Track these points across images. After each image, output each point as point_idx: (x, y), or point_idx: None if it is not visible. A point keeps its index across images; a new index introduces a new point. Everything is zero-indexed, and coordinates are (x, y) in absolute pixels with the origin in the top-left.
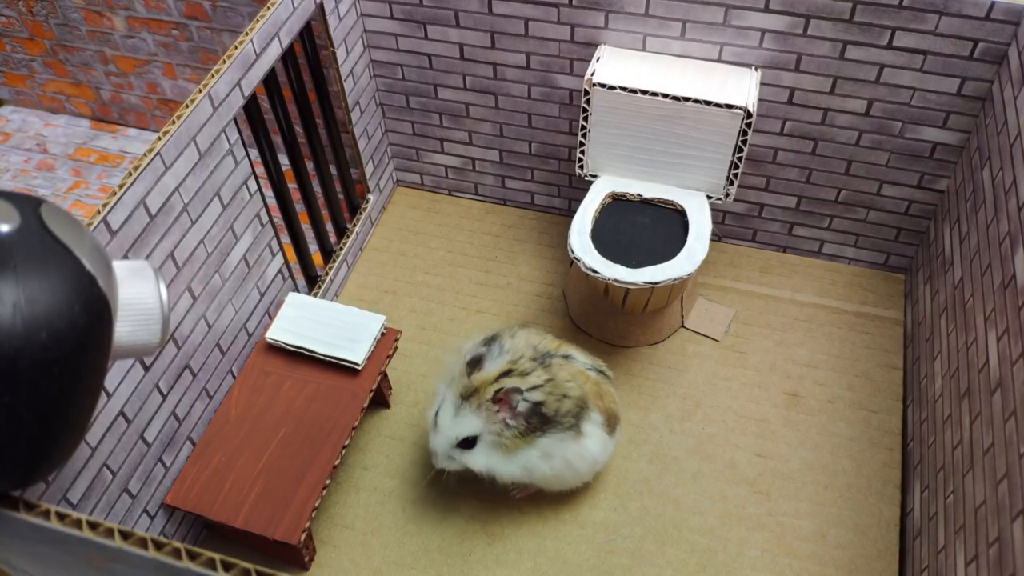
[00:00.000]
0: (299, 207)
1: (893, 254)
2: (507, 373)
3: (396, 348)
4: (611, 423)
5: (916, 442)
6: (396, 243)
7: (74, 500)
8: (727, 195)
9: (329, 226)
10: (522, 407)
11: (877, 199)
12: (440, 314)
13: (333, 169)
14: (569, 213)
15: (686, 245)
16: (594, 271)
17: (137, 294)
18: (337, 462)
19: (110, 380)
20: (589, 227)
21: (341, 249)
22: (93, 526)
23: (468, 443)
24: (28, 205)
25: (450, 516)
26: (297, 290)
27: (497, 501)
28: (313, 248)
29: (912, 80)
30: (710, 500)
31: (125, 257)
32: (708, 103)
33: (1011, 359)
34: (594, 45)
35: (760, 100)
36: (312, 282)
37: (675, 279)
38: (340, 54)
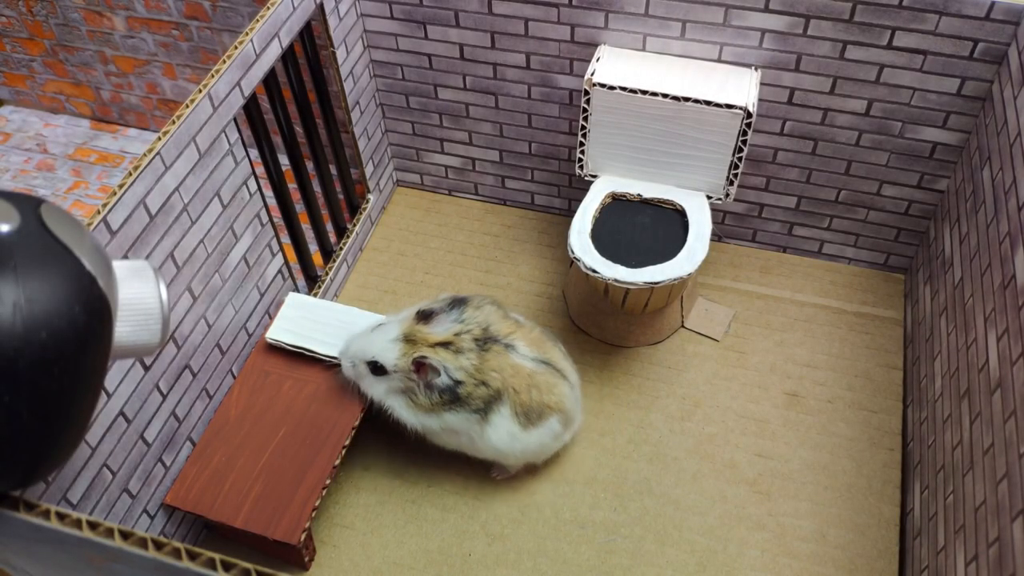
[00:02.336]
0: (299, 207)
1: (893, 254)
2: (446, 345)
3: None
4: (531, 416)
5: (916, 442)
6: (396, 243)
7: (74, 500)
8: (727, 195)
9: (329, 226)
10: (439, 382)
11: (877, 199)
12: None
13: (333, 169)
14: (569, 213)
15: (686, 245)
16: (594, 271)
17: (137, 294)
18: (337, 462)
19: (110, 380)
20: (589, 227)
21: (341, 249)
22: (93, 526)
23: (377, 369)
24: (28, 205)
25: (450, 516)
26: (297, 290)
27: (497, 501)
28: (313, 248)
29: (912, 80)
30: (710, 500)
31: (125, 257)
32: (708, 103)
33: (1011, 359)
34: (594, 45)
35: (760, 100)
36: (312, 282)
37: (675, 279)
38: (340, 54)
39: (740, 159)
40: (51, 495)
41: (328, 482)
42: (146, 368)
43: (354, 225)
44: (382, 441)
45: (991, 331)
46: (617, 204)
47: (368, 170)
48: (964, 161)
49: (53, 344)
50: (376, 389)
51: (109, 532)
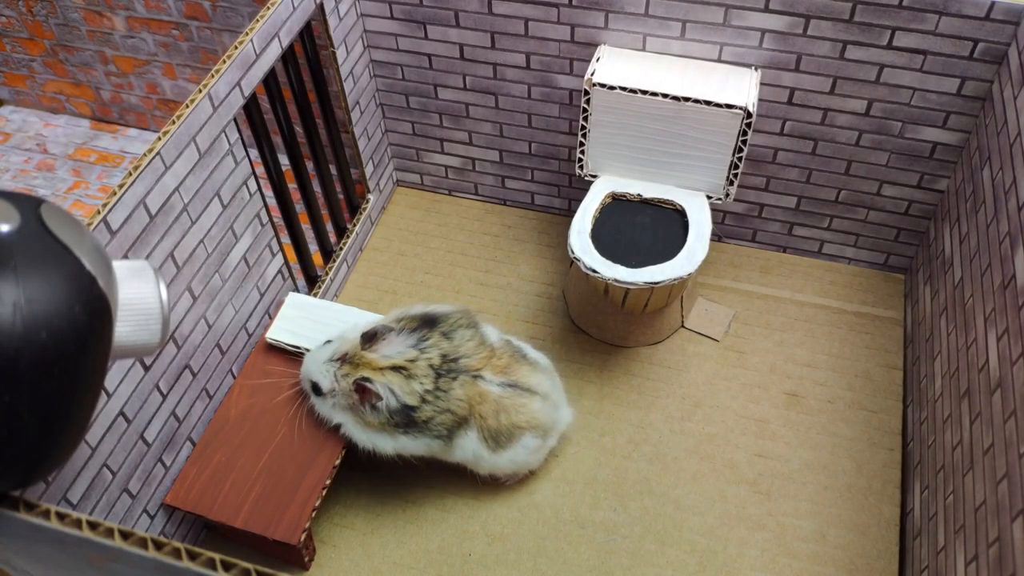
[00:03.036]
0: (299, 207)
1: (893, 254)
2: (398, 369)
3: None
4: (500, 440)
5: (916, 442)
6: (396, 243)
7: (74, 500)
8: (727, 195)
9: (329, 226)
10: (384, 405)
11: (877, 199)
12: None
13: (333, 169)
14: (569, 213)
15: (686, 245)
16: (594, 271)
17: (137, 294)
18: (337, 462)
19: (110, 380)
20: (589, 227)
21: (341, 249)
22: (93, 526)
23: (316, 389)
24: (28, 205)
25: (450, 516)
26: (297, 290)
27: (497, 501)
28: (313, 248)
29: (912, 80)
30: (710, 500)
31: (125, 257)
32: (708, 103)
33: (1011, 359)
34: (594, 45)
35: (760, 100)
36: (312, 282)
37: (675, 279)
38: (340, 54)
39: (740, 159)
40: (51, 495)
41: (328, 482)
42: (146, 368)
43: (354, 225)
44: None
45: (991, 331)
46: (617, 204)
47: (368, 170)
48: (964, 161)
49: (53, 344)
50: (322, 407)
51: (109, 532)
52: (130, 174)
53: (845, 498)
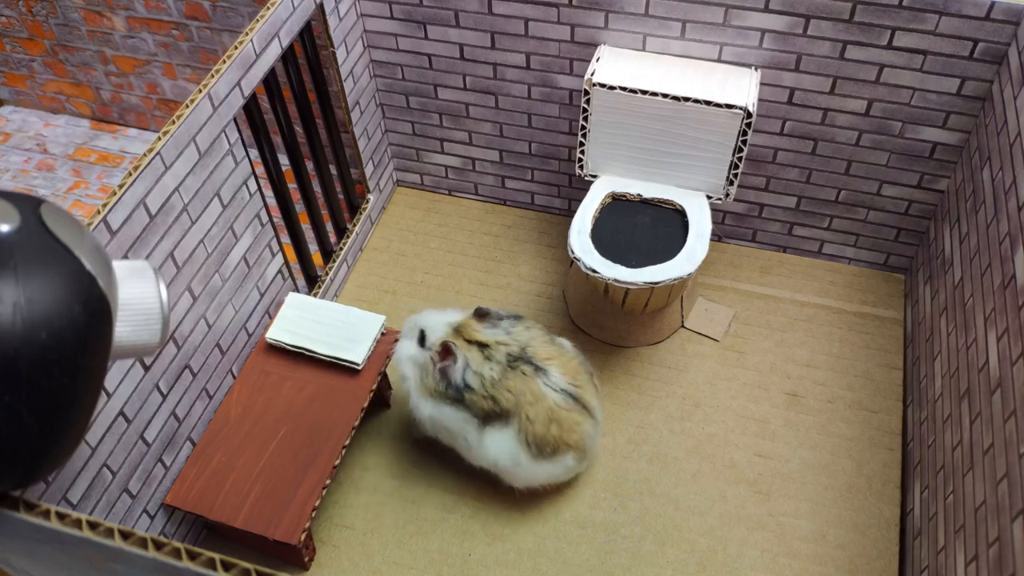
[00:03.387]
0: (299, 207)
1: (893, 254)
2: (483, 346)
3: None
4: (544, 449)
5: (916, 442)
6: (396, 243)
7: (74, 500)
8: (727, 195)
9: (329, 226)
10: (452, 374)
11: (877, 199)
12: None
13: (333, 169)
14: (569, 213)
15: (686, 245)
16: (594, 271)
17: (137, 294)
18: (337, 462)
19: (110, 380)
20: (589, 227)
21: (341, 249)
22: (93, 526)
23: (421, 338)
24: (28, 205)
25: (450, 516)
26: (297, 290)
27: (497, 501)
28: (313, 248)
29: (912, 80)
30: (710, 500)
31: (125, 257)
32: (708, 103)
33: (1011, 359)
34: (594, 45)
35: (760, 100)
36: (312, 282)
37: (675, 279)
38: (340, 54)
39: (740, 159)
40: (51, 495)
41: (328, 482)
42: (146, 368)
43: (354, 225)
44: (382, 441)
45: (991, 331)
46: (617, 204)
47: (368, 170)
48: (964, 161)
49: (53, 344)
50: (405, 349)
51: (109, 532)
52: (130, 174)
53: (845, 498)
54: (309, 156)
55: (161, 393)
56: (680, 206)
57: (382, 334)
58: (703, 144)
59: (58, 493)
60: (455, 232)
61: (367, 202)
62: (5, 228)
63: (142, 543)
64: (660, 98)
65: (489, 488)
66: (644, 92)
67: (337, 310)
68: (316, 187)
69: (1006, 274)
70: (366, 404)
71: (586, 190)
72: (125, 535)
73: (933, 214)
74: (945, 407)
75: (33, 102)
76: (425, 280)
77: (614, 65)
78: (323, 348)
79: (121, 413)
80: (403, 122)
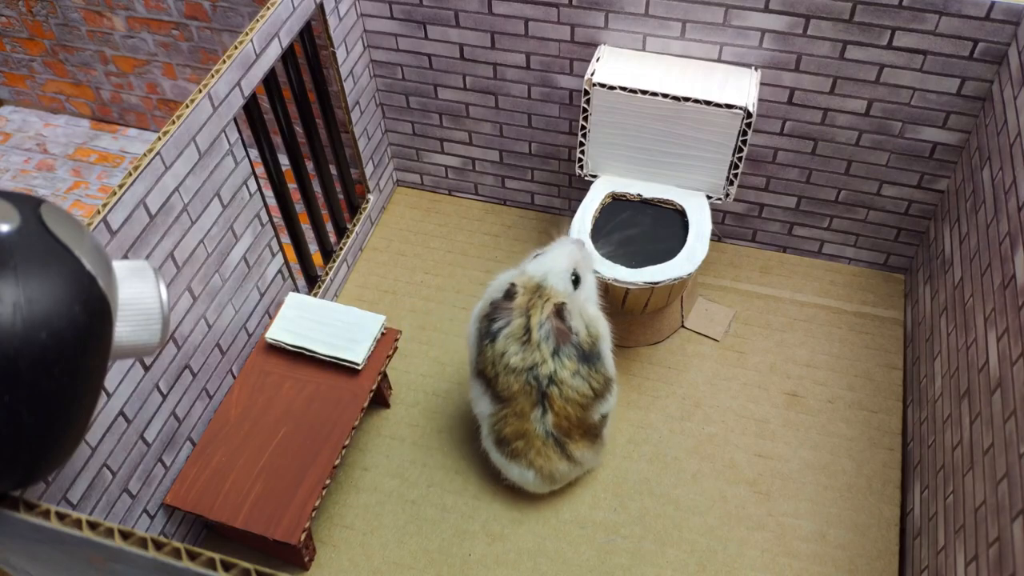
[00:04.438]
0: (299, 207)
1: (893, 254)
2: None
3: (396, 348)
4: (501, 444)
5: (916, 442)
6: (396, 243)
7: (74, 500)
8: (727, 195)
9: (329, 226)
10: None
11: (877, 199)
12: (440, 314)
13: (333, 169)
14: (569, 213)
15: (686, 245)
16: (594, 271)
17: (137, 294)
18: (337, 462)
19: (110, 380)
20: (589, 227)
21: (341, 249)
22: (93, 526)
23: (510, 292)
24: (28, 205)
25: (450, 516)
26: (297, 290)
27: (497, 501)
28: (313, 248)
29: (912, 80)
30: (710, 500)
31: (125, 257)
32: (708, 103)
33: (1011, 359)
34: (594, 45)
35: (760, 100)
36: (312, 282)
37: (675, 279)
38: (340, 54)
39: (740, 159)
40: (51, 495)
41: (328, 482)
42: (146, 368)
43: (354, 225)
44: (382, 441)
45: (991, 331)
46: (617, 204)
47: (368, 170)
48: (964, 161)
49: (53, 344)
50: (481, 313)
51: (109, 532)
52: (130, 174)
53: (845, 498)
54: (309, 156)
55: (161, 393)
56: (680, 206)
57: (382, 334)
58: (703, 144)
59: (58, 493)
60: (455, 232)
61: (367, 202)
62: (5, 228)
63: (142, 543)
64: (660, 98)
65: (489, 488)
66: (644, 92)
67: (337, 310)
68: (316, 187)
69: (1006, 274)
70: (366, 404)
71: (586, 190)
72: (125, 535)
73: (933, 214)
74: (945, 407)
75: (33, 102)
76: (425, 280)
77: (614, 65)
78: (323, 348)
79: (121, 413)
80: (403, 122)
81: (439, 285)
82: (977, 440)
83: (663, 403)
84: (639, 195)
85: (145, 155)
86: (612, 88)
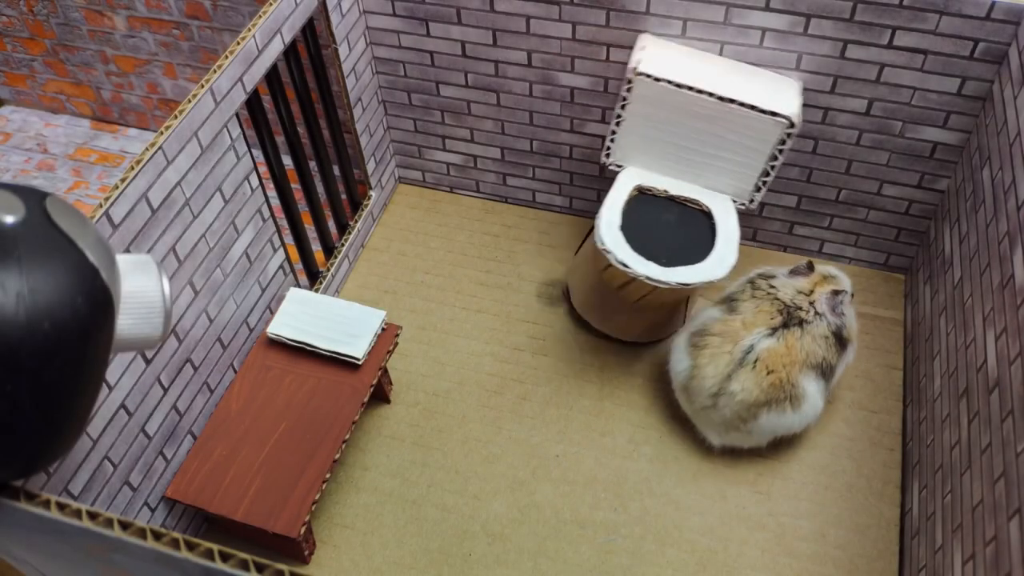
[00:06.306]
0: (301, 207)
1: (893, 254)
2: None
3: (396, 344)
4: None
5: (915, 442)
6: (396, 243)
7: (75, 492)
8: (751, 201)
9: (331, 224)
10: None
11: (877, 199)
12: (440, 314)
13: (335, 168)
14: (570, 211)
15: (715, 249)
16: (626, 266)
17: (140, 287)
18: (337, 456)
19: (112, 373)
20: (619, 220)
21: (343, 245)
22: (93, 516)
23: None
24: (34, 198)
25: (450, 516)
26: (298, 286)
27: (497, 501)
28: (315, 246)
29: (912, 80)
30: (710, 500)
31: (127, 251)
32: (754, 108)
33: (1009, 358)
34: (595, 44)
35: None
36: (313, 278)
37: (707, 282)
38: (343, 51)
39: (773, 167)
40: (52, 486)
41: (328, 476)
42: (147, 361)
43: (355, 222)
44: (382, 441)
45: (990, 331)
46: (643, 198)
47: (370, 167)
48: (964, 161)
49: (56, 335)
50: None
51: (108, 522)
52: (132, 168)
53: (845, 498)
54: (312, 156)
55: (162, 386)
56: (707, 207)
57: (383, 329)
58: (739, 148)
59: (59, 484)
60: (456, 232)
61: (369, 199)
62: (10, 220)
63: (141, 533)
64: (706, 96)
65: (489, 488)
66: (691, 88)
67: (338, 305)
68: (318, 183)
69: (1005, 274)
70: (366, 399)
71: (586, 187)
72: (124, 525)
73: (933, 214)
74: (944, 407)
75: (33, 102)
76: (425, 280)
77: (660, 55)
78: (324, 343)
79: (122, 406)
80: (405, 119)
81: (439, 285)
82: (975, 439)
83: (663, 403)
84: (666, 191)
85: (147, 149)
86: (658, 80)
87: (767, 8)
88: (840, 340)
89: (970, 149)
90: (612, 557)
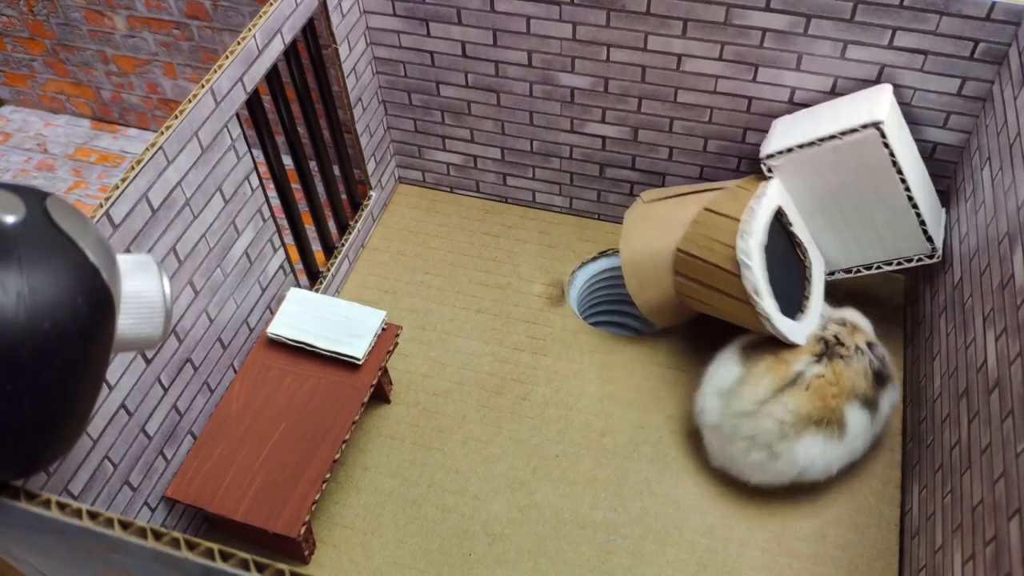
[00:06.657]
0: (301, 206)
1: None
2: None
3: (397, 344)
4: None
5: (914, 442)
6: (397, 243)
7: (75, 491)
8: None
9: (331, 224)
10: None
11: None
12: (440, 314)
13: (336, 168)
14: (571, 211)
15: (808, 312)
16: (757, 293)
17: (140, 287)
18: (337, 456)
19: (112, 373)
20: (763, 238)
21: (343, 245)
22: (93, 516)
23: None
24: (34, 197)
25: (450, 516)
26: (299, 286)
27: (497, 501)
28: (315, 246)
29: (913, 80)
30: (710, 500)
31: (127, 251)
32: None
33: (1009, 358)
34: (595, 44)
35: (758, 99)
36: (313, 278)
37: (792, 342)
38: (343, 51)
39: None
40: (52, 486)
41: (328, 476)
42: (148, 361)
43: (356, 222)
44: (382, 441)
45: (990, 331)
46: (775, 222)
47: (370, 167)
48: (964, 161)
49: (56, 335)
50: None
51: (108, 522)
52: (132, 168)
53: (845, 498)
54: (312, 156)
55: (162, 386)
56: (809, 261)
57: (383, 329)
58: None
59: (59, 484)
60: (456, 232)
61: (369, 199)
62: (10, 219)
63: (141, 533)
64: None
65: (489, 488)
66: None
67: (338, 305)
68: (318, 184)
69: (1005, 274)
70: (366, 399)
71: (586, 188)
72: (124, 525)
73: None
74: (943, 407)
75: (33, 102)
76: (425, 280)
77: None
78: (324, 343)
79: (122, 406)
80: (405, 119)
81: (439, 285)
82: (975, 439)
83: (663, 403)
84: (791, 224)
85: (148, 149)
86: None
87: (767, 8)
88: (880, 378)
89: (970, 149)
90: (612, 557)
